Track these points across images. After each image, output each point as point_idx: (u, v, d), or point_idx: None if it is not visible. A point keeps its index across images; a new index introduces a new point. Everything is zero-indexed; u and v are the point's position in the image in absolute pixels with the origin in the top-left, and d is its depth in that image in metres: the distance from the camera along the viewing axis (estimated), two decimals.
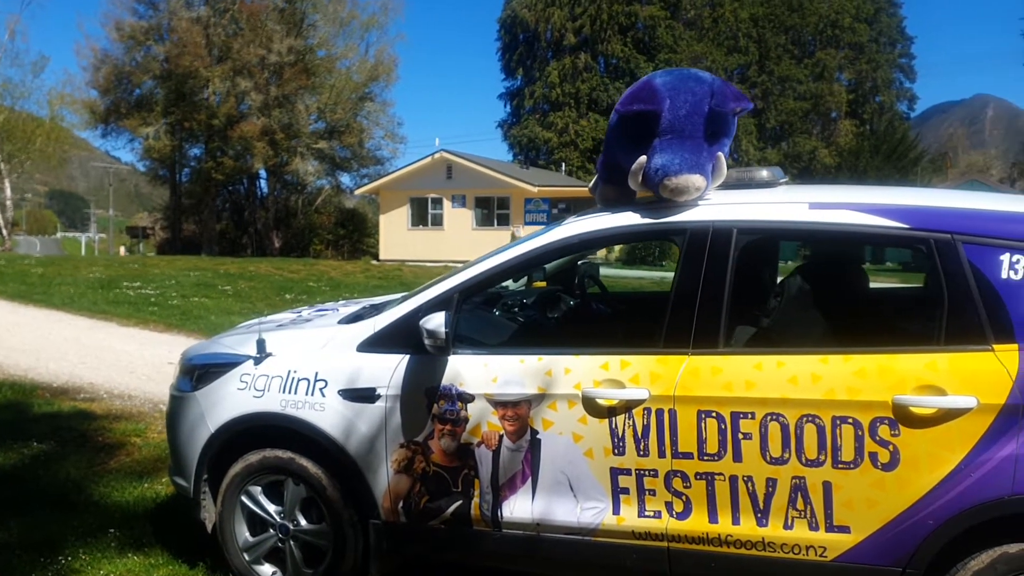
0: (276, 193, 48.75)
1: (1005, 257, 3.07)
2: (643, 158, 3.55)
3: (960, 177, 53.47)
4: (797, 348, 3.31)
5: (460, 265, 4.04)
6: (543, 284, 5.15)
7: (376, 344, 3.85)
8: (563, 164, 52.23)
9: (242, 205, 49.86)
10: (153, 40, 46.57)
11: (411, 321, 3.72)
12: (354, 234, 47.82)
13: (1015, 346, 3.00)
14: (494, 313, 4.53)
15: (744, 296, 3.59)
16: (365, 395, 3.78)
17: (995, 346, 3.02)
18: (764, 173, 3.72)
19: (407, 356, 3.75)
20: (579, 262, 5.31)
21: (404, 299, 4.00)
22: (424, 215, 38.55)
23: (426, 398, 3.70)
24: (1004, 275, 3.06)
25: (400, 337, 3.79)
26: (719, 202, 3.56)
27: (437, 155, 37.80)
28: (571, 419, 3.48)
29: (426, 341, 3.55)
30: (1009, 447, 2.94)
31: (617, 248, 35.68)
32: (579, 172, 52.48)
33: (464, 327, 3.86)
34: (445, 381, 3.67)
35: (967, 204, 3.33)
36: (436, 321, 3.52)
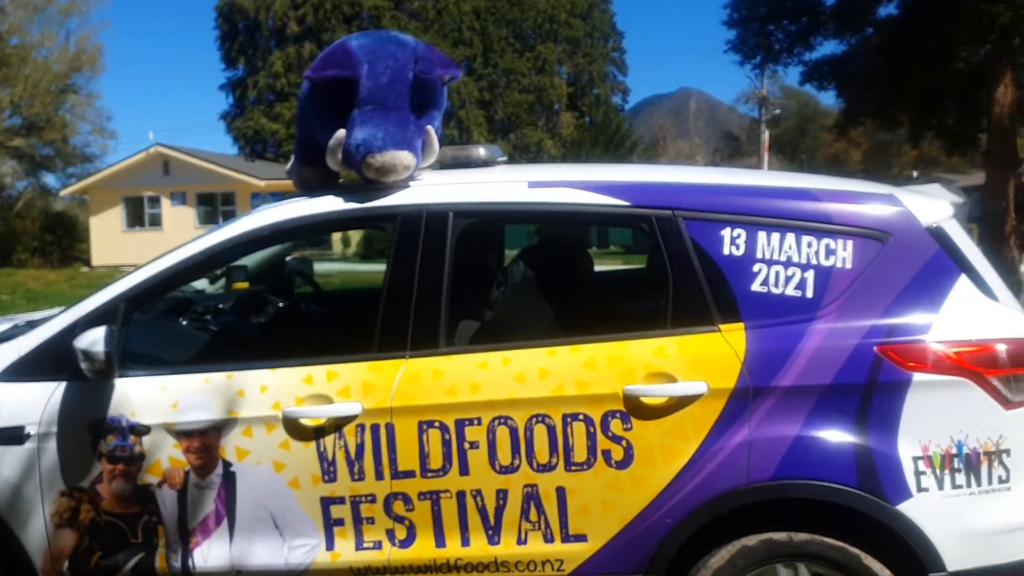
0: None
1: (726, 232, 2.93)
2: (341, 132, 3.07)
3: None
4: (523, 342, 3.01)
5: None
6: (245, 285, 4.52)
7: (22, 371, 3.10)
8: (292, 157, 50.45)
9: None
10: None
11: (65, 340, 3.02)
12: (64, 239, 43.27)
13: (741, 325, 2.86)
14: (180, 323, 3.87)
15: (466, 287, 3.23)
16: (10, 435, 3.04)
17: (722, 326, 2.87)
18: (481, 151, 3.42)
19: (63, 384, 3.06)
20: (287, 258, 4.73)
21: (61, 313, 3.27)
22: (141, 215, 35.65)
23: (90, 434, 3.03)
24: (726, 251, 2.92)
25: (52, 361, 3.08)
26: (433, 183, 3.18)
27: (152, 150, 34.99)
28: (271, 445, 2.95)
29: (82, 364, 2.89)
30: (742, 433, 2.79)
31: (353, 241, 34.92)
32: None
33: (137, 343, 3.20)
34: (112, 411, 3.01)
35: (686, 179, 3.17)
36: (93, 339, 2.87)
